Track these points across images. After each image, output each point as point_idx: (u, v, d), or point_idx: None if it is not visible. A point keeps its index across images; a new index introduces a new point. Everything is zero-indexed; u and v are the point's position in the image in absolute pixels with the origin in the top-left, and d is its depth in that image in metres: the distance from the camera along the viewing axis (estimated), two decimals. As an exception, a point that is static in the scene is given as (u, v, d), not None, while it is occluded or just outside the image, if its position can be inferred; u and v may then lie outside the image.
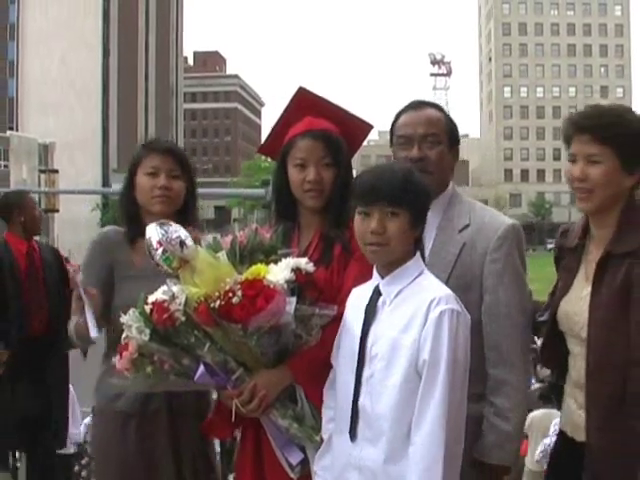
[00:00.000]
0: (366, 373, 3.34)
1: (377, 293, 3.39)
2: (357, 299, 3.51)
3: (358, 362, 3.36)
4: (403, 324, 3.27)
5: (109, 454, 4.15)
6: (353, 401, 3.37)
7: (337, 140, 3.79)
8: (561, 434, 3.53)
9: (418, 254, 3.41)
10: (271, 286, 3.31)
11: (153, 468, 4.11)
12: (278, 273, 3.38)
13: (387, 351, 3.28)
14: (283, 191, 3.87)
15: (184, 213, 4.25)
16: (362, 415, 3.34)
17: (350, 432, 3.37)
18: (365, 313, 3.39)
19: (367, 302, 3.41)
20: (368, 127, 4.03)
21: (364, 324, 3.37)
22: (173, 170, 4.22)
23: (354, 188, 3.40)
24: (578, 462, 3.38)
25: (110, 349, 4.12)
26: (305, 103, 3.92)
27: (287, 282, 3.37)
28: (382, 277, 3.39)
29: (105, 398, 4.14)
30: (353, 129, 3.94)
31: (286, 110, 3.96)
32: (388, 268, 3.38)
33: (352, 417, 3.37)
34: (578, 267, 3.53)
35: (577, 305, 3.42)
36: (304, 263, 3.48)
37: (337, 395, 3.49)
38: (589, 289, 3.39)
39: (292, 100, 3.95)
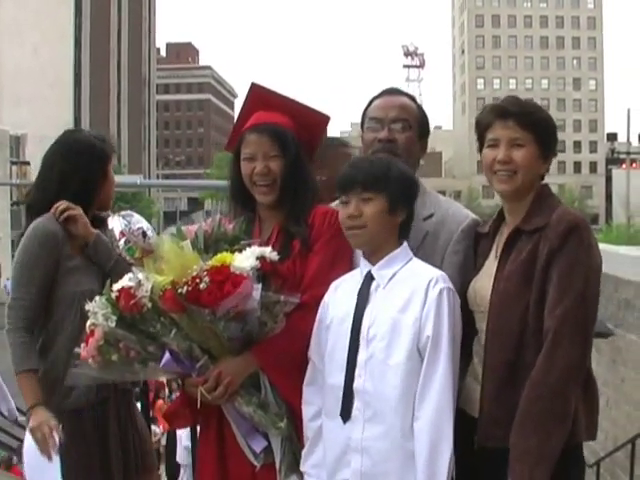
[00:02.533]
0: (363, 355, 3.43)
1: (369, 278, 3.51)
2: (341, 289, 3.60)
3: (351, 345, 3.45)
4: (402, 304, 3.41)
5: (71, 452, 4.11)
6: (346, 384, 3.44)
7: (284, 132, 3.83)
8: (459, 412, 3.57)
9: (405, 243, 3.56)
10: (238, 272, 3.35)
11: (107, 454, 4.17)
12: (244, 260, 3.42)
13: (387, 331, 3.40)
14: (239, 186, 3.92)
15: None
16: (360, 397, 3.42)
17: (342, 414, 3.44)
18: (358, 297, 3.49)
19: (359, 287, 3.52)
20: (324, 118, 4.07)
21: (357, 308, 3.48)
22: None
23: (337, 181, 3.55)
24: (472, 432, 3.50)
25: (47, 345, 4.16)
26: (257, 98, 3.98)
27: (252, 269, 3.41)
28: (372, 264, 3.52)
29: (54, 397, 4.10)
30: (308, 121, 3.99)
31: (242, 107, 4.03)
32: (376, 255, 3.52)
33: (345, 399, 3.43)
34: (490, 249, 3.66)
35: (486, 281, 3.54)
36: (268, 252, 3.52)
37: (325, 383, 3.54)
38: (497, 265, 3.54)
39: (246, 96, 4.02)
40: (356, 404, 3.42)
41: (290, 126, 3.88)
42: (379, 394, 3.38)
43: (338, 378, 3.47)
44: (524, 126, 3.47)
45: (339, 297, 3.59)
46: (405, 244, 3.57)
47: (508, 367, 3.40)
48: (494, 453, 3.38)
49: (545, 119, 3.57)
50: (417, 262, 3.56)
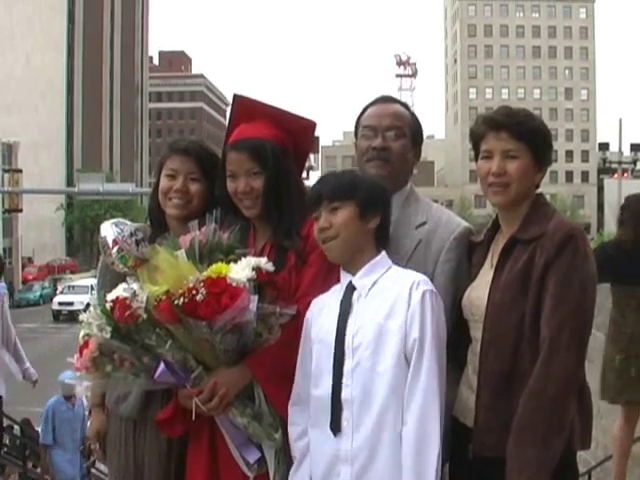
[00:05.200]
0: (349, 364, 3.41)
1: (351, 289, 3.50)
2: (324, 306, 3.58)
3: (336, 355, 3.43)
4: (386, 310, 3.39)
5: (111, 455, 4.16)
6: (334, 395, 3.41)
7: (263, 148, 3.80)
8: (453, 420, 3.61)
9: (384, 252, 3.55)
10: (234, 284, 3.33)
11: (142, 472, 4.05)
12: (240, 271, 3.40)
13: (373, 338, 3.38)
14: (227, 199, 3.88)
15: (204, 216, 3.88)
16: (349, 406, 3.39)
17: (332, 425, 3.42)
18: (340, 308, 3.48)
19: (341, 298, 3.50)
20: (311, 124, 4.05)
21: (340, 318, 3.46)
22: (192, 173, 4.09)
23: (307, 200, 3.60)
24: (467, 441, 3.49)
25: None
26: (241, 109, 3.97)
27: (249, 280, 3.39)
28: (352, 275, 3.52)
29: (110, 399, 4.13)
30: (295, 127, 3.97)
31: (229, 119, 4.02)
32: (354, 264, 3.52)
33: (334, 411, 3.41)
34: (485, 258, 3.66)
35: (481, 290, 3.53)
36: (264, 262, 3.50)
37: (312, 395, 3.52)
38: (492, 274, 3.52)
39: (231, 108, 4.00)
40: (345, 414, 3.41)
41: (275, 135, 3.87)
42: (368, 402, 3.37)
43: (324, 389, 3.46)
44: (517, 137, 3.47)
45: (323, 314, 3.57)
46: (384, 253, 3.57)
47: (504, 376, 3.39)
48: (490, 463, 3.37)
49: (538, 128, 3.55)
50: (397, 269, 3.55)
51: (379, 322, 3.40)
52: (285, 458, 3.65)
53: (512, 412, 3.30)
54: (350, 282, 3.52)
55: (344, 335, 3.44)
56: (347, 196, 3.48)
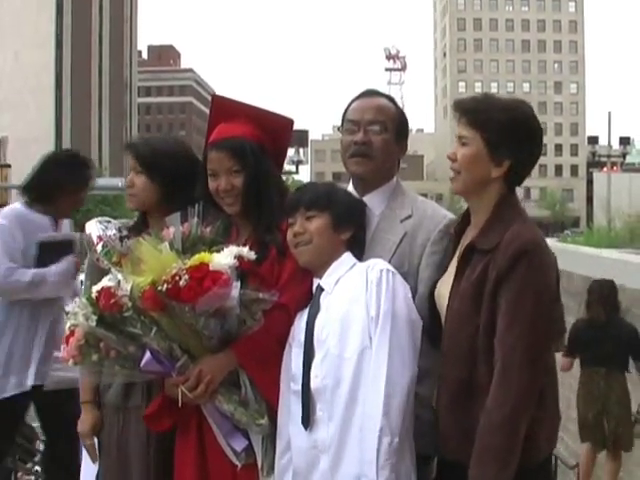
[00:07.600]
0: (319, 357, 3.49)
1: (320, 290, 3.61)
2: (302, 312, 3.67)
3: (306, 350, 3.52)
4: (349, 298, 3.48)
5: (100, 443, 4.16)
6: (304, 389, 3.49)
7: (242, 146, 3.86)
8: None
9: (349, 252, 3.66)
10: (216, 269, 3.38)
11: (127, 461, 4.04)
12: (222, 259, 3.44)
13: (339, 326, 3.46)
14: (209, 196, 3.92)
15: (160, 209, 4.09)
16: (321, 397, 3.46)
17: (303, 421, 3.49)
18: (310, 308, 3.60)
19: (311, 301, 3.62)
20: (288, 122, 4.12)
21: (309, 317, 3.58)
22: (135, 167, 4.19)
23: (284, 207, 3.73)
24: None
25: None
26: (220, 109, 4.04)
27: (231, 268, 3.44)
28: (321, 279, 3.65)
29: (100, 389, 4.15)
30: (273, 125, 4.02)
31: (208, 119, 4.07)
32: (324, 270, 3.64)
33: (305, 406, 3.49)
34: (455, 250, 3.64)
35: (446, 288, 3.53)
36: (246, 251, 3.55)
37: (292, 392, 3.58)
38: (454, 275, 3.51)
39: (210, 109, 4.06)
40: (319, 405, 3.47)
41: (253, 133, 3.92)
42: (338, 389, 3.42)
43: (299, 384, 3.53)
44: (471, 125, 3.42)
45: (300, 319, 3.66)
46: (348, 253, 3.67)
47: (462, 384, 3.37)
48: (453, 465, 3.39)
49: (499, 120, 3.39)
50: (360, 264, 3.62)
51: (343, 310, 3.48)
52: (272, 445, 3.68)
53: (471, 421, 3.28)
54: (319, 284, 3.63)
55: (312, 332, 3.53)
56: (323, 206, 3.62)
